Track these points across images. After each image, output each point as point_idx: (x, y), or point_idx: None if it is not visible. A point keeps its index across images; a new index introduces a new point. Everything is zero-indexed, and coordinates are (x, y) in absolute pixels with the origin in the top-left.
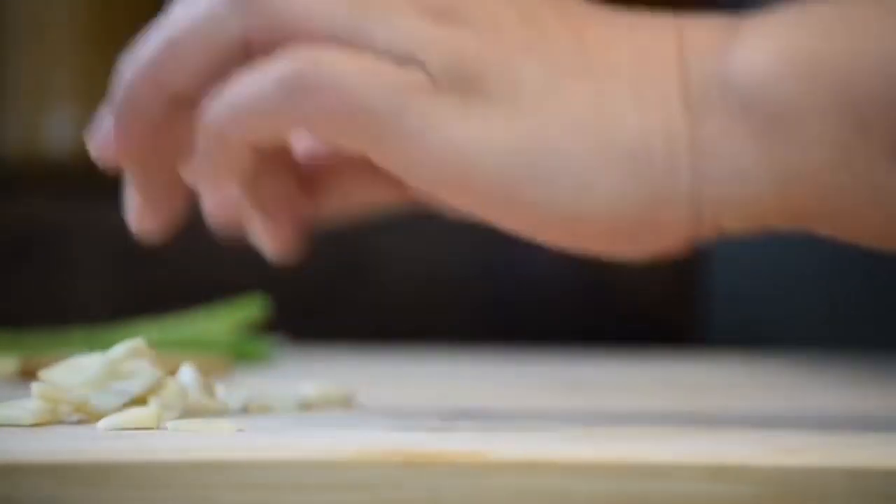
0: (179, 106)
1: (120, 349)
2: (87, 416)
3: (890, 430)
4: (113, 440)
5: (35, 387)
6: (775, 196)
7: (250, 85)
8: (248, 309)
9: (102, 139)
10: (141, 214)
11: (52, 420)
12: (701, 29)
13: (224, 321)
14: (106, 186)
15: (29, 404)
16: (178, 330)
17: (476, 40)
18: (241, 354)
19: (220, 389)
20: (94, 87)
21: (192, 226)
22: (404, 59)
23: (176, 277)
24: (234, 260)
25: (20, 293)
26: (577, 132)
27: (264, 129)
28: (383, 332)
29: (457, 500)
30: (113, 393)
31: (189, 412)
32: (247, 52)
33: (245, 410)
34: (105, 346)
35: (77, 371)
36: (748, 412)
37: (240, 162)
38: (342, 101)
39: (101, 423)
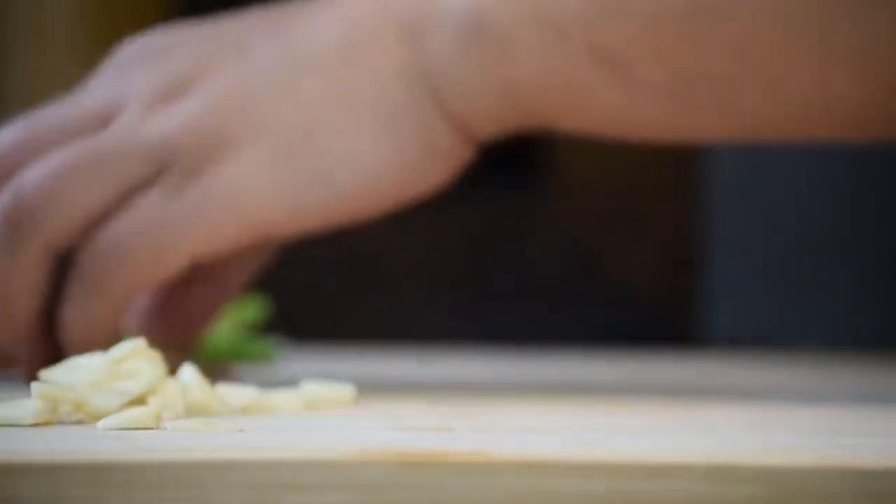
0: None
1: (120, 349)
2: (87, 416)
3: (890, 430)
4: (113, 440)
5: (34, 387)
6: (506, 105)
7: None
8: (248, 309)
9: None
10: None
11: (52, 420)
12: None
13: (224, 321)
14: None
15: (29, 404)
16: None
17: (196, 102)
18: (241, 354)
19: (220, 389)
20: None
21: None
22: (161, 165)
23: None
24: None
25: None
26: (319, 121)
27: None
28: (383, 332)
29: (458, 501)
30: (113, 393)
31: (189, 412)
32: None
33: (245, 410)
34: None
35: (77, 371)
36: (748, 412)
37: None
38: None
39: (101, 423)
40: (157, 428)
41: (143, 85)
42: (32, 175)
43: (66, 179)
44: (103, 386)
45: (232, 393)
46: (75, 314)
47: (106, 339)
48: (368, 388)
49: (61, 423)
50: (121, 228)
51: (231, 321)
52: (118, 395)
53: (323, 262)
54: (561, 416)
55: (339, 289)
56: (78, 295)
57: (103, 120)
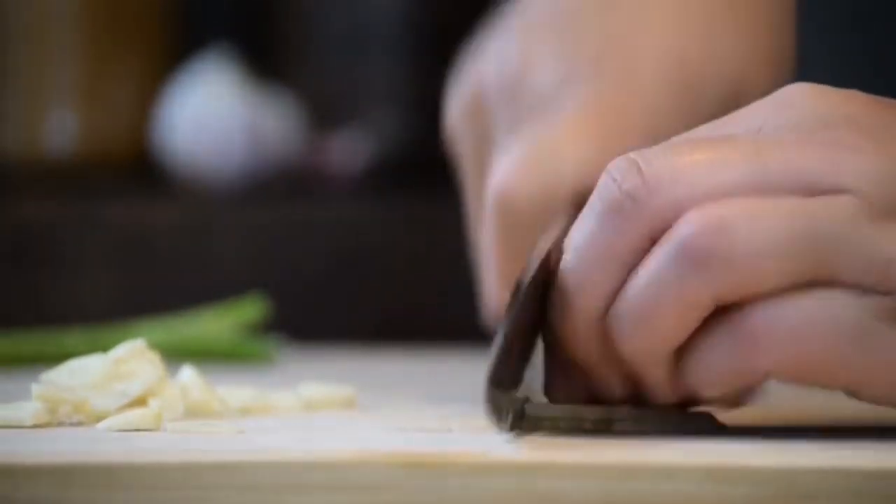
0: None
1: (120, 349)
2: (88, 417)
3: (890, 431)
4: (113, 441)
5: (35, 388)
6: None
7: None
8: (248, 309)
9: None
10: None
11: (53, 421)
12: None
13: (224, 321)
14: (106, 186)
15: (29, 405)
16: (178, 330)
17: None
18: (241, 354)
19: (220, 389)
20: (95, 88)
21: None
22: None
23: (176, 277)
24: (235, 260)
25: (20, 293)
26: None
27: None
28: (383, 332)
29: (457, 501)
30: (113, 394)
31: (189, 413)
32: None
33: (245, 411)
34: (105, 346)
35: (77, 372)
36: (748, 412)
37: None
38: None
39: (102, 424)
40: (158, 429)
41: (872, 184)
42: (722, 216)
43: (760, 234)
44: (103, 387)
45: (232, 393)
46: (706, 370)
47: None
48: (368, 388)
49: (61, 424)
50: (807, 318)
51: (231, 321)
52: (118, 397)
53: (323, 262)
54: None
55: (339, 289)
56: (712, 354)
57: (805, 190)
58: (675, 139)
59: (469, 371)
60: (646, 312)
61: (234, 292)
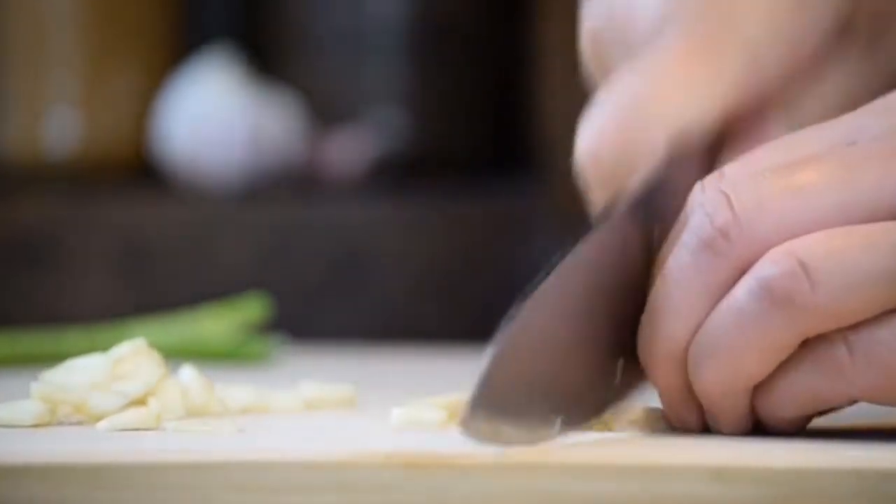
0: None
1: (120, 349)
2: (87, 416)
3: (890, 430)
4: (113, 441)
5: (35, 388)
6: None
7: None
8: (248, 309)
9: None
10: None
11: (52, 421)
12: None
13: (224, 321)
14: (106, 186)
15: (29, 405)
16: (178, 330)
17: None
18: (241, 354)
19: (220, 389)
20: (95, 88)
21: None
22: None
23: (176, 277)
24: (235, 260)
25: (20, 293)
26: None
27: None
28: (383, 332)
29: (458, 501)
30: (112, 394)
31: (189, 412)
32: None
33: (244, 411)
34: (105, 346)
35: (77, 371)
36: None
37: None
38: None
39: (101, 424)
40: (157, 429)
41: None
42: (810, 257)
43: (856, 270)
44: (103, 387)
45: (232, 393)
46: (789, 405)
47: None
48: (368, 388)
49: (61, 423)
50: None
51: (231, 321)
52: (118, 396)
53: (323, 262)
54: None
55: (339, 289)
56: (795, 389)
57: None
58: (761, 149)
59: (469, 371)
60: (725, 347)
61: (235, 292)
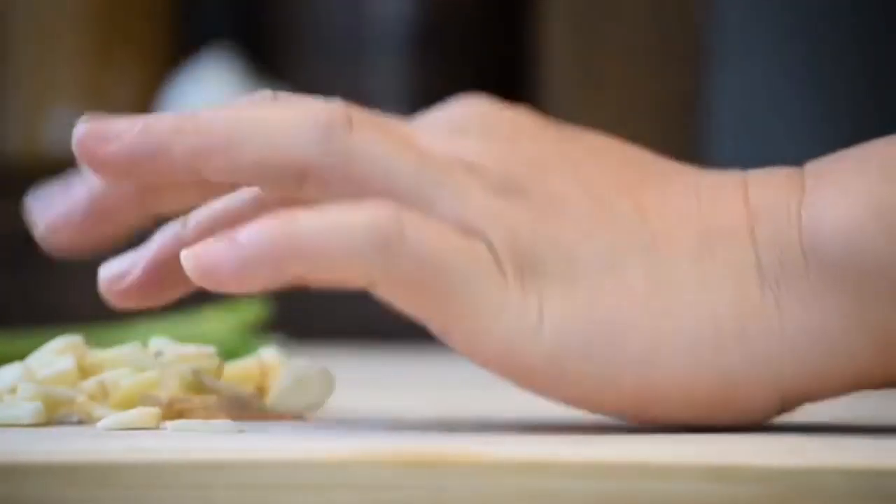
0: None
1: (120, 349)
2: (87, 416)
3: (889, 430)
4: (113, 440)
5: (35, 387)
6: (870, 362)
7: (333, 228)
8: (248, 309)
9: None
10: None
11: (52, 420)
12: (766, 186)
13: (224, 321)
14: None
15: (28, 405)
16: (178, 330)
17: (536, 218)
18: (241, 354)
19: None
20: (94, 88)
21: None
22: (470, 231)
23: None
24: None
25: (20, 293)
26: (636, 309)
27: (329, 271)
28: (383, 332)
29: (457, 501)
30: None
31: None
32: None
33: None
34: (105, 346)
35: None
36: None
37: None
38: (422, 263)
39: (101, 424)
40: (157, 428)
41: (491, 163)
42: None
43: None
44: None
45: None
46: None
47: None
48: (368, 389)
49: (61, 423)
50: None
51: (231, 321)
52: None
53: None
54: (561, 417)
55: (338, 289)
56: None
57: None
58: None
59: (469, 371)
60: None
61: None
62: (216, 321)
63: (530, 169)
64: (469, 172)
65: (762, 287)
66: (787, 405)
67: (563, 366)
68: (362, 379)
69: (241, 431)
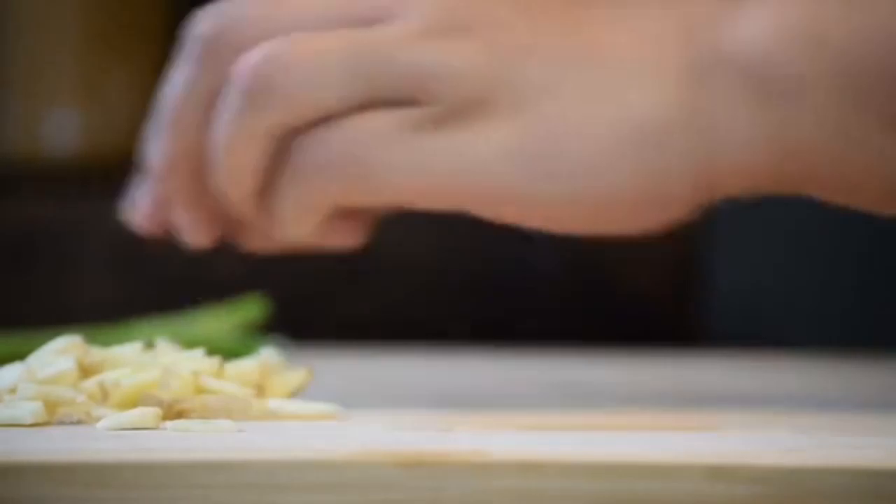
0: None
1: (119, 350)
2: (87, 416)
3: (890, 430)
4: (113, 440)
5: (34, 387)
6: (773, 165)
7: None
8: (248, 309)
9: (141, 209)
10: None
11: (52, 420)
12: (702, 1)
13: (224, 321)
14: (106, 186)
15: (29, 404)
16: (178, 330)
17: (476, 51)
18: (241, 354)
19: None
20: (94, 87)
21: None
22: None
23: (176, 277)
24: (235, 260)
25: (20, 293)
26: (580, 121)
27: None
28: (383, 332)
29: (457, 501)
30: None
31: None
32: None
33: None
34: (105, 346)
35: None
36: (748, 412)
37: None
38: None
39: (101, 424)
40: (157, 428)
41: (425, 8)
42: (279, 50)
43: (314, 64)
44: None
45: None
46: (285, 204)
47: (307, 235)
48: (368, 389)
49: (61, 423)
50: (351, 138)
51: (231, 321)
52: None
53: (323, 262)
54: (561, 417)
55: (338, 289)
56: (287, 187)
57: (366, 22)
58: None
59: (469, 371)
60: (221, 146)
61: (235, 293)
62: (216, 321)
63: (470, 8)
64: (398, 33)
65: (689, 88)
66: (700, 200)
67: (512, 188)
68: (362, 379)
69: (240, 431)
